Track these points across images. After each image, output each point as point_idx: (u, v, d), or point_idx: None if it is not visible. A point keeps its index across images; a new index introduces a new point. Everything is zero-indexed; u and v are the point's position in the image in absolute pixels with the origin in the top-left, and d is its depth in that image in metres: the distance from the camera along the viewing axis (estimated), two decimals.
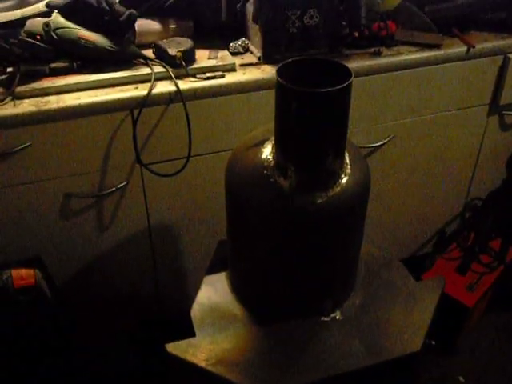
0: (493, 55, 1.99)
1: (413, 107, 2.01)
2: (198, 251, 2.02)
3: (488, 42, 1.97)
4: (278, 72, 1.17)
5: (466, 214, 2.43)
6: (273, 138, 1.31)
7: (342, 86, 1.13)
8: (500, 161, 2.32)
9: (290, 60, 1.23)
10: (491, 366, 2.24)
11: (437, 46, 1.91)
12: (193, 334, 1.43)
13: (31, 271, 1.61)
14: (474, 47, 1.92)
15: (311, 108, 1.16)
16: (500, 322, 2.40)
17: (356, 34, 1.87)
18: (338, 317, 1.48)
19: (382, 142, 2.03)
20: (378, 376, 1.46)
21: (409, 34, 1.93)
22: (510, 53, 2.00)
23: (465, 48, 1.93)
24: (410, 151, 2.13)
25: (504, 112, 2.19)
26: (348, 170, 1.31)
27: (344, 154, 1.30)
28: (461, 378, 2.19)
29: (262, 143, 1.34)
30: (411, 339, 1.43)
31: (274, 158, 1.29)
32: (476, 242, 2.25)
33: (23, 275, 1.60)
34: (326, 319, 1.48)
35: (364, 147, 2.00)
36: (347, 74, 1.18)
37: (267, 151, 1.31)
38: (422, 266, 2.27)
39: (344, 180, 1.29)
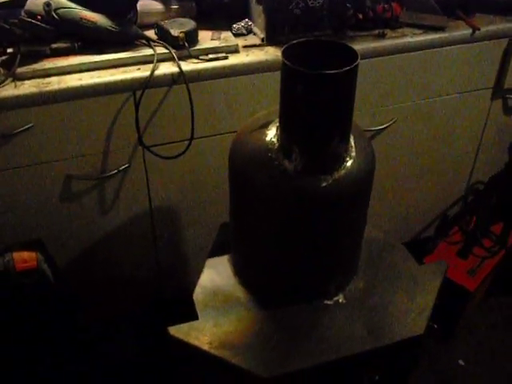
0: (497, 38, 1.98)
1: (416, 90, 2.00)
2: (201, 234, 2.01)
3: (493, 25, 1.95)
4: (284, 53, 1.16)
5: (469, 198, 2.42)
6: (277, 120, 1.30)
7: (350, 67, 1.12)
8: (503, 144, 2.30)
9: (295, 41, 1.22)
10: (491, 349, 2.24)
11: (441, 29, 1.89)
12: (195, 317, 1.42)
13: (33, 254, 1.60)
14: (478, 30, 1.90)
15: (318, 90, 1.15)
16: (500, 306, 2.40)
17: (360, 16, 1.85)
18: (341, 300, 1.48)
19: (385, 125, 2.01)
20: (381, 359, 1.47)
21: (413, 16, 1.91)
22: None
23: (470, 31, 1.91)
24: (413, 134, 2.12)
25: (508, 96, 2.17)
26: (353, 153, 1.30)
27: (349, 136, 1.29)
28: (461, 362, 2.20)
29: (266, 125, 1.33)
30: (414, 322, 1.44)
31: (278, 140, 1.28)
32: (478, 226, 2.25)
33: (25, 258, 1.59)
34: (329, 303, 1.48)
35: (367, 130, 1.99)
36: (353, 56, 1.16)
37: (271, 133, 1.30)
38: (423, 250, 2.27)
39: (349, 163, 1.28)
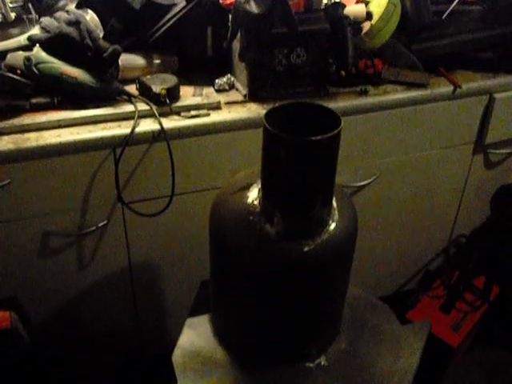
0: (478, 95, 1.99)
1: (399, 146, 2.00)
2: (181, 291, 1.98)
3: (474, 82, 1.97)
4: (266, 118, 1.15)
5: (451, 251, 2.42)
6: (258, 181, 1.29)
7: (332, 133, 1.11)
8: (484, 198, 2.32)
9: (277, 105, 1.21)
10: None
11: (423, 86, 1.89)
12: (175, 380, 1.39)
13: (7, 313, 1.56)
14: (460, 87, 1.91)
15: (300, 155, 1.14)
16: (483, 361, 2.38)
17: (343, 73, 1.86)
18: (322, 362, 1.46)
19: (367, 181, 2.01)
20: None
21: (395, 73, 1.92)
22: (495, 92, 2.01)
23: (451, 87, 1.92)
24: (396, 189, 2.12)
25: (489, 151, 2.19)
26: (336, 216, 1.28)
27: (332, 200, 1.27)
28: None
29: (247, 187, 1.31)
30: None
31: (259, 203, 1.26)
32: (460, 280, 2.24)
33: None
34: (310, 365, 1.45)
35: (349, 186, 1.98)
36: (336, 118, 1.16)
37: (253, 196, 1.29)
38: (406, 303, 2.25)
39: (332, 227, 1.27)
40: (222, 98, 1.77)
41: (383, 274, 2.38)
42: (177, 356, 1.46)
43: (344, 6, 1.85)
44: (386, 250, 2.30)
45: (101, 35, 1.72)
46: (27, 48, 1.68)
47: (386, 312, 1.60)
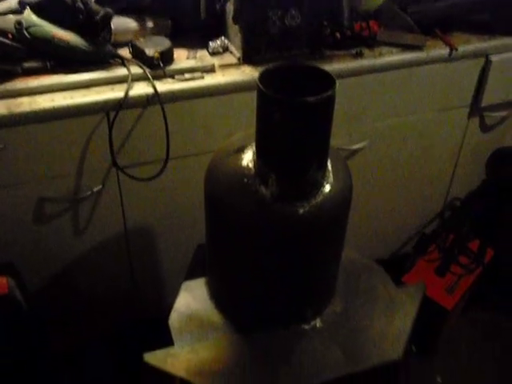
0: (475, 57, 1.98)
1: (394, 109, 1.99)
2: (177, 255, 1.98)
3: (470, 44, 1.95)
4: (260, 79, 1.14)
5: (446, 215, 2.43)
6: (253, 143, 1.29)
7: (327, 94, 1.11)
8: (480, 161, 2.32)
9: (271, 66, 1.20)
10: (468, 365, 2.25)
11: (419, 48, 1.88)
12: (171, 343, 1.40)
13: (4, 279, 1.56)
14: (456, 50, 1.90)
15: (294, 117, 1.13)
16: (477, 322, 2.40)
17: (338, 35, 1.84)
18: (318, 324, 1.47)
19: (362, 144, 2.00)
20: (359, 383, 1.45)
21: (391, 35, 1.90)
22: (491, 54, 1.99)
23: (447, 50, 1.91)
24: (391, 152, 2.12)
25: (485, 113, 2.18)
26: (330, 179, 1.28)
27: (327, 162, 1.27)
28: (438, 379, 2.19)
29: (242, 149, 1.31)
30: (392, 347, 1.43)
31: (254, 165, 1.26)
32: (455, 243, 2.25)
33: None
34: (306, 327, 1.46)
35: (344, 149, 1.98)
36: (330, 80, 1.15)
37: (247, 158, 1.28)
38: (402, 267, 2.27)
39: (326, 189, 1.27)
40: (216, 60, 1.76)
41: (378, 238, 2.39)
42: (173, 319, 1.47)
43: None
44: (381, 213, 2.31)
45: None
46: (18, 11, 1.66)
47: (380, 274, 1.61)
